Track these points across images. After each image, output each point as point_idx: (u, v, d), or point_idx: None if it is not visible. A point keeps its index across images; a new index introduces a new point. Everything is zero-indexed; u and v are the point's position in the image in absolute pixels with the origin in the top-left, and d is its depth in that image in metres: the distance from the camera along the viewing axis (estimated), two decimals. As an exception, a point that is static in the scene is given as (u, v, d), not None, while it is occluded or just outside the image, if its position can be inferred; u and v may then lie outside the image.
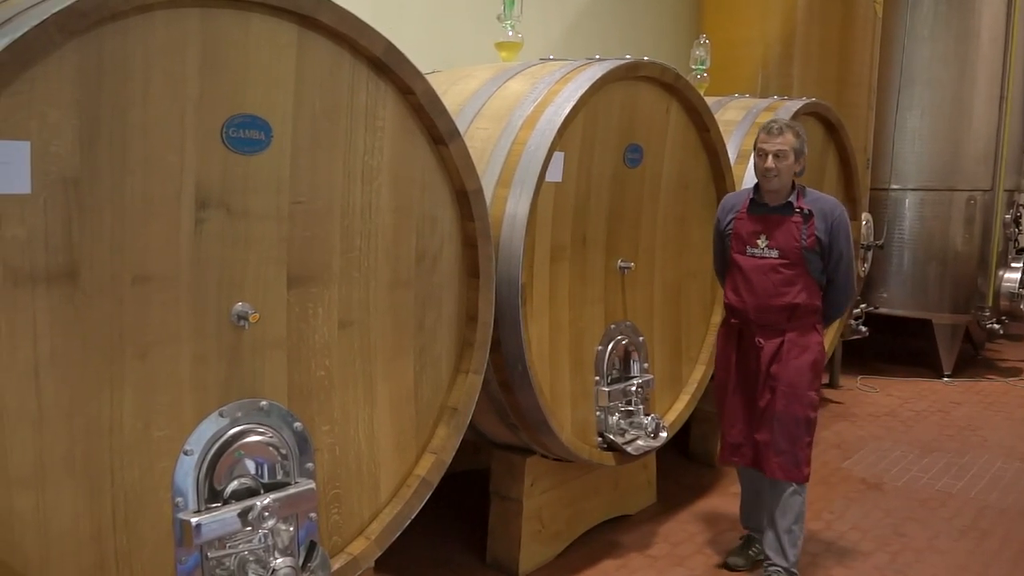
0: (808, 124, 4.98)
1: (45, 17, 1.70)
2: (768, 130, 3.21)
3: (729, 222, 3.38)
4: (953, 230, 6.77)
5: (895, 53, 6.73)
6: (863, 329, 6.19)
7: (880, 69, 6.42)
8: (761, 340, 3.28)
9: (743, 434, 3.39)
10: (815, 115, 5.05)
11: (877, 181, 6.77)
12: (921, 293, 6.91)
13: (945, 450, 5.13)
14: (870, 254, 5.99)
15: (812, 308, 3.27)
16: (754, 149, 3.26)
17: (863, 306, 6.35)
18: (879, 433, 5.46)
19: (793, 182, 3.27)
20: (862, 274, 5.86)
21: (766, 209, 3.27)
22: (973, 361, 7.57)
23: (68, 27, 1.75)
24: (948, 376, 6.89)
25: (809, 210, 3.22)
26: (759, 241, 3.25)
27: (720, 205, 3.52)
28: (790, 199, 3.24)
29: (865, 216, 5.82)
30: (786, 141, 3.17)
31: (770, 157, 3.17)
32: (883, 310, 6.97)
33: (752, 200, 3.32)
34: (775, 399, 3.25)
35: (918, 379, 6.86)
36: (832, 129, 5.21)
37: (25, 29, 1.68)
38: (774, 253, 3.23)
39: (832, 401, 6.18)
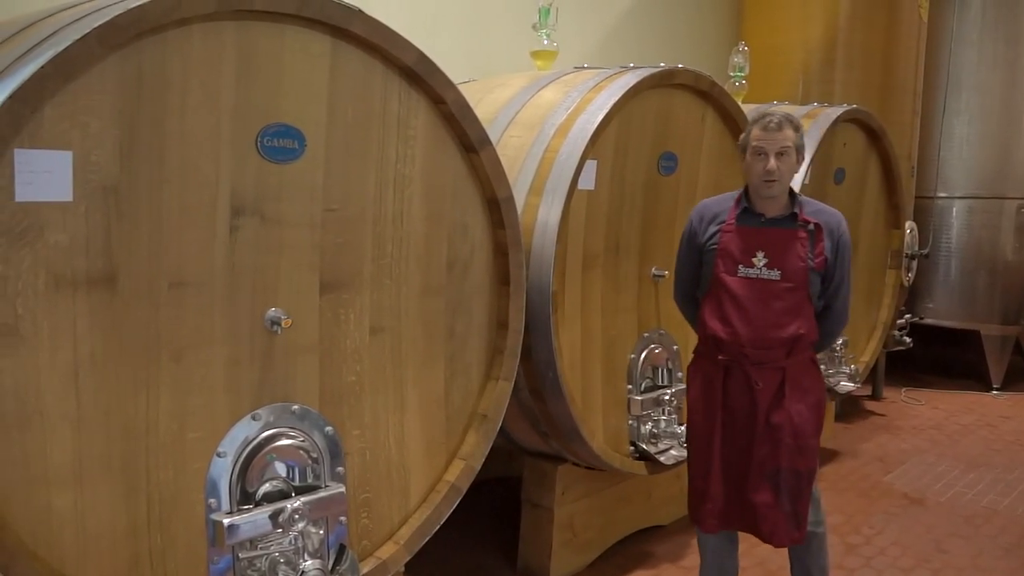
0: (849, 131, 4.91)
1: (87, 31, 1.76)
2: (764, 125, 2.66)
3: (712, 235, 2.80)
4: (1003, 239, 6.59)
5: (941, 58, 6.60)
6: (907, 340, 6.05)
7: (926, 74, 6.29)
8: (759, 381, 2.71)
9: (730, 494, 2.79)
10: (857, 122, 4.97)
11: (922, 189, 6.63)
12: (969, 303, 6.74)
13: (992, 465, 4.99)
14: (915, 263, 5.86)
15: (811, 341, 2.78)
16: (744, 149, 2.73)
17: (908, 316, 6.21)
18: (923, 447, 5.33)
19: (791, 189, 2.78)
20: (906, 283, 5.73)
21: (762, 220, 2.73)
22: (1024, 374, 7.37)
23: (109, 40, 1.81)
24: (997, 389, 6.70)
25: (815, 224, 2.71)
26: (756, 260, 2.70)
27: (695, 213, 2.91)
28: (794, 209, 2.73)
29: (909, 224, 5.70)
30: (787, 136, 2.65)
31: (772, 157, 2.63)
32: (929, 320, 6.82)
33: (744, 210, 2.78)
34: (778, 452, 2.70)
35: (966, 392, 6.69)
36: (874, 136, 5.12)
37: (68, 43, 1.74)
38: (775, 274, 2.68)
39: (875, 413, 6.06)
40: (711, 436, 2.80)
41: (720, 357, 2.77)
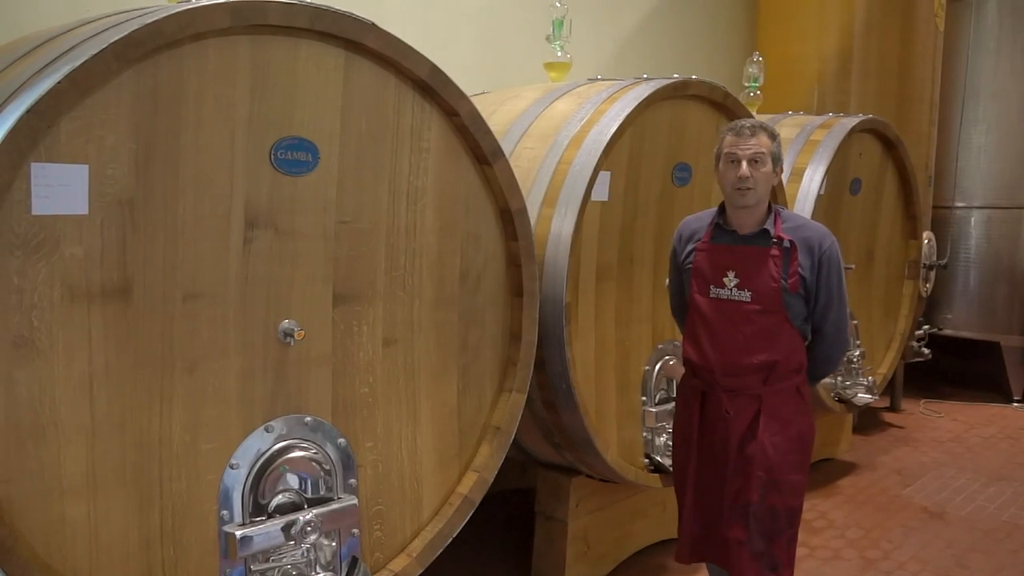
0: (865, 141, 4.88)
1: (104, 47, 1.78)
2: (737, 131, 2.51)
3: (689, 253, 2.67)
4: (1022, 249, 6.51)
5: (958, 67, 6.55)
6: (926, 351, 5.99)
7: (942, 83, 6.25)
8: (729, 409, 2.55)
9: (703, 526, 2.66)
10: (873, 132, 4.94)
11: (940, 199, 6.57)
12: (989, 314, 6.66)
13: (1013, 479, 4.92)
14: (932, 274, 5.81)
15: (794, 367, 2.58)
16: (717, 158, 2.59)
17: (926, 327, 6.15)
18: (943, 459, 5.26)
19: (769, 202, 2.59)
20: (924, 294, 5.68)
21: (734, 237, 2.59)
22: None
23: (125, 56, 1.83)
24: (1018, 401, 6.61)
25: (790, 241, 2.52)
26: (726, 280, 2.54)
27: (677, 230, 2.79)
28: (766, 225, 2.55)
29: (927, 235, 5.65)
30: (761, 143, 2.49)
31: (744, 164, 2.47)
32: (948, 332, 6.74)
33: (716, 225, 2.63)
34: (749, 487, 2.53)
35: (986, 404, 6.61)
36: (890, 146, 5.08)
37: (84, 58, 1.76)
38: (746, 295, 2.52)
39: (893, 425, 5.99)
40: (686, 464, 2.69)
41: (695, 382, 2.66)
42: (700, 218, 2.75)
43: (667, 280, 2.96)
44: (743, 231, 2.58)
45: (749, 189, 2.50)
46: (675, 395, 2.81)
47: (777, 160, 2.56)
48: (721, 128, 2.68)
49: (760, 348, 2.52)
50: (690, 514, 2.69)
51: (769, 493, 2.54)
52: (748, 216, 2.57)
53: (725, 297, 2.56)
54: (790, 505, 2.58)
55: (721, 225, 2.63)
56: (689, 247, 2.69)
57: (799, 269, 2.52)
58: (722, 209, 2.65)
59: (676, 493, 2.82)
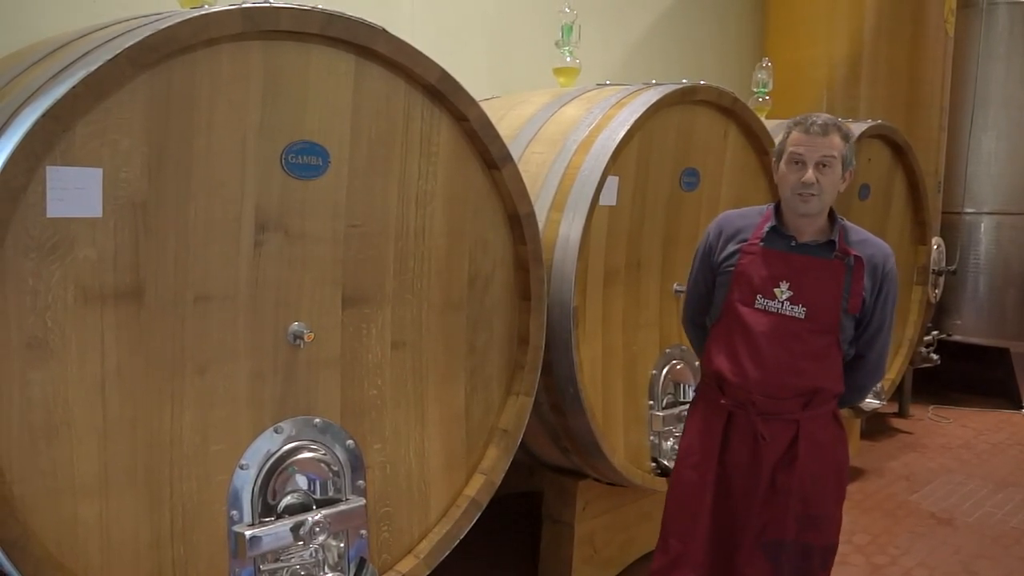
0: (874, 147, 4.88)
1: (118, 52, 1.81)
2: (807, 128, 2.23)
3: (731, 255, 2.39)
4: (1033, 256, 6.50)
5: (968, 73, 6.53)
6: (934, 357, 5.97)
7: (952, 89, 6.23)
8: (764, 434, 2.29)
9: (716, 566, 2.38)
10: (882, 137, 4.94)
11: (949, 205, 6.55)
12: (998, 320, 6.64)
13: (1022, 485, 4.90)
14: (942, 280, 5.79)
15: (835, 393, 2.36)
16: (779, 155, 2.32)
17: (935, 333, 6.13)
18: (951, 466, 5.25)
19: (832, 210, 2.36)
20: (933, 300, 5.66)
21: (793, 245, 2.33)
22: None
23: (139, 60, 1.85)
24: (1027, 408, 6.59)
25: (856, 257, 2.29)
26: (778, 291, 2.29)
27: (714, 225, 2.50)
28: (832, 236, 2.32)
29: (936, 241, 5.64)
30: (834, 144, 2.22)
31: (811, 167, 2.22)
32: (957, 337, 6.72)
33: (773, 229, 2.36)
34: (784, 522, 2.28)
35: (995, 410, 6.58)
36: (899, 152, 5.08)
37: (100, 63, 1.78)
38: (799, 311, 2.26)
39: (901, 431, 5.98)
40: (701, 493, 2.38)
41: (723, 401, 2.37)
42: (745, 215, 2.46)
43: (689, 280, 2.61)
44: (803, 239, 2.33)
45: (813, 196, 2.24)
46: (687, 410, 2.57)
47: (848, 164, 2.29)
48: (786, 124, 2.37)
49: (807, 371, 2.28)
50: (700, 552, 2.38)
51: (805, 530, 2.30)
52: (809, 224, 2.32)
53: (774, 310, 2.29)
54: (827, 543, 2.34)
55: (778, 229, 2.36)
56: (732, 247, 2.39)
57: (863, 290, 2.29)
58: (777, 210, 2.39)
59: (674, 522, 2.48)
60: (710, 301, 2.50)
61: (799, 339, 2.27)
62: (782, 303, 2.29)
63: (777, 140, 2.41)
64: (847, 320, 2.30)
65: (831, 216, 2.37)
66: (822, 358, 2.29)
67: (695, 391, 2.58)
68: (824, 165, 2.24)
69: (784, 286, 2.29)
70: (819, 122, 2.24)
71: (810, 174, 2.22)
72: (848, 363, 2.40)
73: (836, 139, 2.24)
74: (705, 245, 2.52)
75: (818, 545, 2.33)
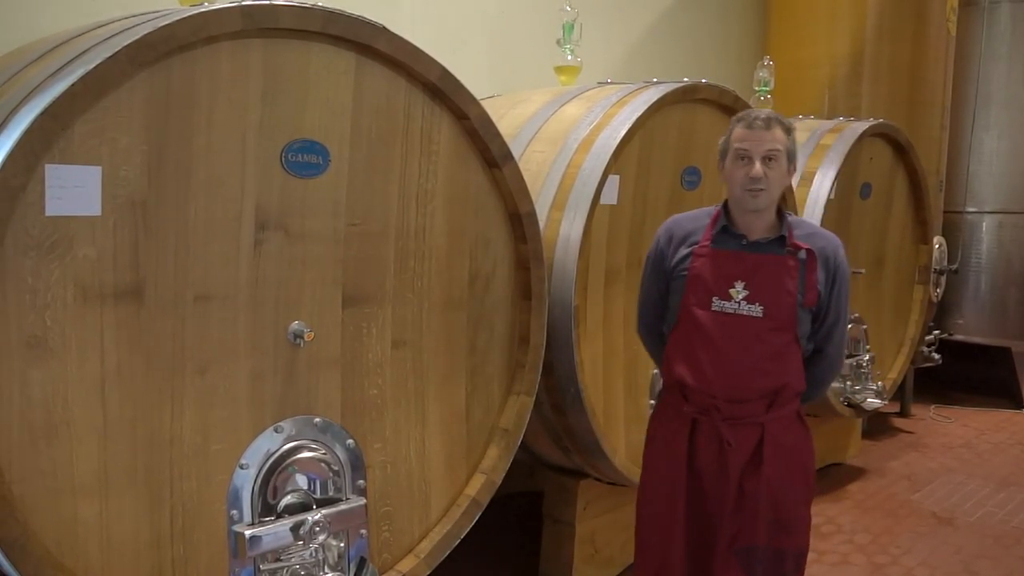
0: (876, 146, 4.87)
1: (117, 50, 1.80)
2: (750, 123, 2.23)
3: (682, 259, 2.35)
4: (1034, 255, 6.49)
5: (970, 72, 6.52)
6: (936, 356, 5.96)
7: (954, 88, 6.22)
8: (730, 439, 2.26)
9: (683, 570, 2.37)
10: (883, 136, 4.92)
11: (951, 204, 6.54)
12: (1000, 320, 6.63)
13: (1023, 485, 4.89)
14: (943, 279, 5.78)
15: (797, 391, 2.33)
16: (723, 153, 2.32)
17: (936, 332, 6.12)
18: (952, 465, 5.24)
19: (779, 206, 2.34)
20: (934, 299, 5.66)
21: (743, 244, 2.30)
22: (1057, 392, 7.21)
23: (139, 58, 1.85)
24: (1029, 407, 6.59)
25: (807, 250, 2.27)
26: (734, 291, 2.25)
27: (663, 229, 2.47)
28: (782, 232, 2.30)
29: (938, 240, 5.63)
30: (777, 138, 2.21)
31: (758, 162, 2.20)
32: (958, 337, 6.70)
33: (723, 229, 2.33)
34: (755, 528, 2.27)
35: (996, 409, 6.57)
36: (901, 150, 5.07)
37: (98, 61, 1.78)
38: (756, 310, 2.24)
39: (903, 431, 5.97)
40: (673, 504, 2.35)
41: (686, 408, 2.33)
42: (695, 217, 2.43)
43: (640, 288, 2.58)
44: (753, 236, 2.31)
45: (761, 191, 2.22)
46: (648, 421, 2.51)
47: (792, 157, 2.29)
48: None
49: (769, 370, 2.26)
50: (679, 564, 2.36)
51: (776, 534, 2.29)
52: (758, 220, 2.30)
53: (731, 311, 2.26)
54: (799, 545, 2.34)
55: (727, 227, 2.34)
56: (683, 251, 2.37)
57: (817, 283, 2.28)
58: (726, 209, 2.37)
59: (649, 534, 2.44)
60: (664, 308, 2.46)
61: (759, 339, 2.25)
62: (739, 303, 2.27)
63: (720, 140, 2.40)
64: (804, 315, 2.29)
65: (779, 212, 2.36)
66: (783, 356, 2.27)
67: (654, 400, 2.52)
68: (770, 159, 2.23)
69: (739, 286, 2.27)
70: (761, 117, 2.24)
71: (758, 168, 2.21)
72: (807, 359, 2.38)
73: (779, 132, 2.24)
74: (656, 251, 2.48)
75: (790, 548, 2.33)
